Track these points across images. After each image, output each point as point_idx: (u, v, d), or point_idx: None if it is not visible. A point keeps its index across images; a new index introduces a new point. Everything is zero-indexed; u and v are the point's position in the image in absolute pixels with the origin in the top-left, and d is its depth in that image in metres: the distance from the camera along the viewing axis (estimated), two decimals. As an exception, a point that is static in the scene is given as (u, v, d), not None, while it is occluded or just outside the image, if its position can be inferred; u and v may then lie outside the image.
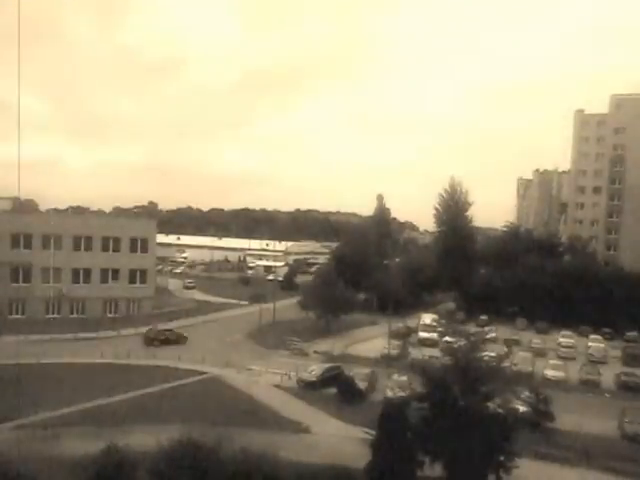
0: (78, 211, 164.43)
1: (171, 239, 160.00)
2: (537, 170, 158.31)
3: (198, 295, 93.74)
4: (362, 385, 43.11)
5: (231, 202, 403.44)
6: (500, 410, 27.36)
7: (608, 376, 51.69)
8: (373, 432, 27.48)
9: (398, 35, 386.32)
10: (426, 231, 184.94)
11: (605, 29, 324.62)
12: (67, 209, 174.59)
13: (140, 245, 74.70)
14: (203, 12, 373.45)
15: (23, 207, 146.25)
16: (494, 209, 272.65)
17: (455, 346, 30.21)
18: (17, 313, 67.00)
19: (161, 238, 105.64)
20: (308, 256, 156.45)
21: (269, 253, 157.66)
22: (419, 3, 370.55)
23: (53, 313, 68.16)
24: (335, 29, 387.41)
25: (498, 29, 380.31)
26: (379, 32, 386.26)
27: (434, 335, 63.12)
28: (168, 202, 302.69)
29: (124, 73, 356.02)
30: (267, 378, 47.06)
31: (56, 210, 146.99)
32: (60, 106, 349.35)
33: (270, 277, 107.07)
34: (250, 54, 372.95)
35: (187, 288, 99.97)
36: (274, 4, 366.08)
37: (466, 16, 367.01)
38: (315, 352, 57.67)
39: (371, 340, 63.96)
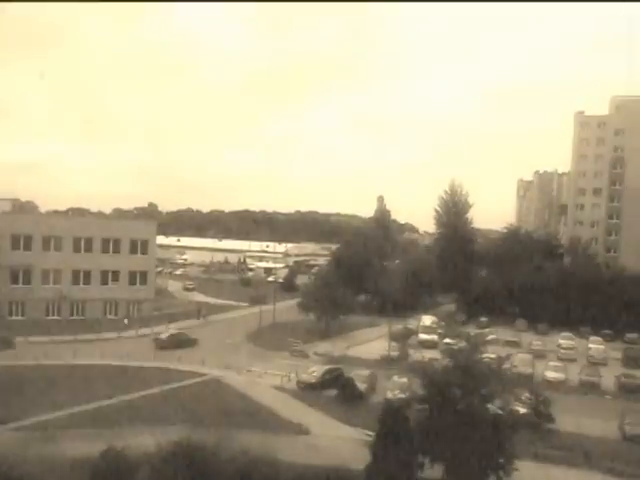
0: (78, 212, 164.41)
1: (171, 241, 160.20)
2: (537, 172, 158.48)
3: (198, 297, 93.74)
4: (362, 387, 43.07)
5: (231, 204, 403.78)
6: (500, 412, 27.31)
7: (608, 378, 51.60)
8: (373, 434, 27.46)
9: (399, 37, 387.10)
10: (426, 232, 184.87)
11: (605, 30, 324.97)
12: (67, 210, 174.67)
13: (140, 247, 74.76)
14: (208, 14, 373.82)
15: (23, 208, 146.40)
16: (494, 211, 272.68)
17: (455, 348, 30.21)
18: (17, 314, 67.02)
19: (161, 240, 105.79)
20: (308, 258, 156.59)
21: (269, 255, 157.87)
22: (421, 6, 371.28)
23: (53, 315, 68.14)
24: (337, 31, 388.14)
25: (499, 31, 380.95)
26: (380, 34, 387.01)
27: (434, 337, 63.11)
28: (168, 204, 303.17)
29: (126, 74, 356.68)
30: (267, 380, 47.03)
31: (56, 211, 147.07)
32: (61, 106, 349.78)
33: (270, 279, 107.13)
34: (252, 56, 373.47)
35: (187, 290, 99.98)
36: (279, 6, 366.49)
37: (467, 18, 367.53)
38: (315, 354, 57.63)
39: (371, 342, 63.95)
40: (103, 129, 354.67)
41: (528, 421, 35.47)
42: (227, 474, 24.39)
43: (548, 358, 59.05)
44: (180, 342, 57.87)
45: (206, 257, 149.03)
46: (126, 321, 66.17)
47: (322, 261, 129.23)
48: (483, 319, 75.14)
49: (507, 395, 27.94)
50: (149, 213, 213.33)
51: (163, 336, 58.63)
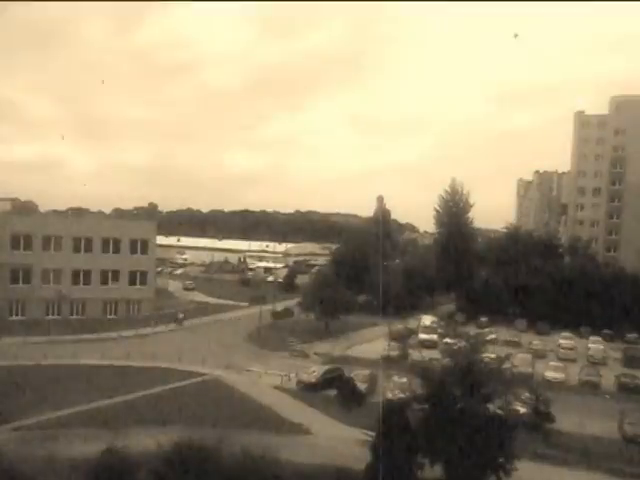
0: (78, 212, 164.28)
1: (171, 240, 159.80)
2: (537, 171, 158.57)
3: (198, 296, 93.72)
4: (362, 387, 43.04)
5: (231, 203, 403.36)
6: (500, 412, 27.33)
7: (608, 378, 51.66)
8: (373, 434, 27.46)
9: (400, 37, 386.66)
10: (426, 232, 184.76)
11: (606, 30, 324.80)
12: (67, 210, 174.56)
13: (140, 246, 74.70)
14: (208, 14, 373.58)
15: (23, 208, 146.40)
16: (494, 210, 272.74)
17: (455, 348, 30.16)
18: (17, 314, 66.97)
19: (161, 239, 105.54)
20: (308, 257, 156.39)
21: (269, 254, 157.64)
22: (422, 6, 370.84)
23: (53, 314, 68.02)
24: (337, 31, 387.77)
25: (500, 31, 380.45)
26: (380, 35, 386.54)
27: (434, 337, 62.87)
28: (168, 203, 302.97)
29: (127, 75, 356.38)
30: (267, 379, 47.05)
31: (56, 211, 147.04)
32: (62, 107, 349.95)
33: (270, 278, 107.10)
34: (252, 56, 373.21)
35: (187, 289, 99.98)
36: (280, 6, 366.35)
37: (468, 19, 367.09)
38: (315, 353, 57.64)
39: (371, 342, 63.91)
40: (103, 129, 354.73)
41: (528, 421, 35.47)
42: (227, 474, 24.39)
43: (548, 358, 59.13)
44: (288, 313, 76.31)
45: (206, 257, 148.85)
46: (181, 315, 71.26)
47: (322, 261, 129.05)
48: (483, 319, 75.12)
49: (507, 395, 27.94)
50: (149, 213, 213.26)
51: (278, 308, 76.06)
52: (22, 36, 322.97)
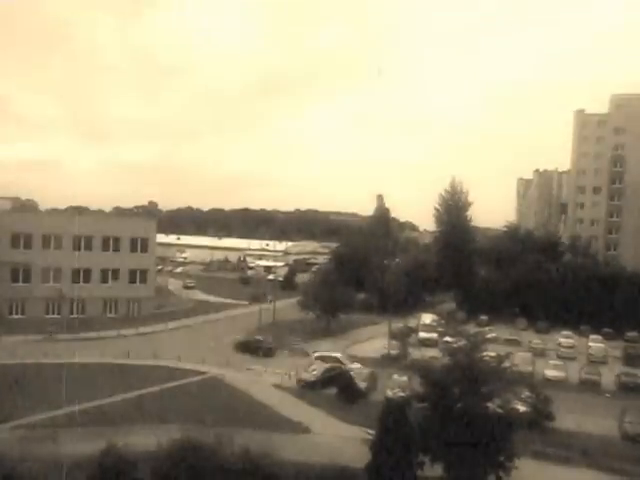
0: (78, 211, 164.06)
1: (171, 239, 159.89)
2: (537, 170, 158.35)
3: (198, 295, 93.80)
4: (362, 385, 43.09)
5: (231, 202, 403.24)
6: (500, 410, 27.34)
7: (608, 376, 51.67)
8: (373, 432, 27.47)
9: (400, 36, 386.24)
10: (426, 231, 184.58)
11: (605, 30, 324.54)
12: (67, 209, 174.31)
13: (140, 245, 74.69)
14: (209, 13, 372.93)
15: (23, 207, 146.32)
16: (494, 209, 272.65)
17: (455, 346, 30.19)
18: (17, 313, 66.92)
19: (161, 238, 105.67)
20: (308, 256, 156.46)
21: (269, 253, 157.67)
22: (422, 6, 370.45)
23: (53, 313, 67.95)
24: (338, 31, 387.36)
25: (499, 31, 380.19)
26: (380, 34, 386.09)
27: (434, 335, 62.98)
28: (168, 202, 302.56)
29: (127, 74, 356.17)
30: (267, 378, 47.06)
31: (56, 210, 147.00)
32: (62, 106, 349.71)
33: (270, 277, 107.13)
34: (252, 56, 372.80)
35: (187, 288, 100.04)
36: (281, 5, 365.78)
37: (468, 18, 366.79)
38: (315, 352, 57.53)
39: (371, 340, 63.97)
40: (104, 127, 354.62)
41: (528, 419, 35.54)
42: (227, 472, 24.40)
43: (548, 356, 59.15)
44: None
45: (206, 255, 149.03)
46: (270, 297, 76.92)
47: (322, 259, 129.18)
48: (483, 317, 75.10)
49: (507, 393, 27.96)
50: (149, 211, 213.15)
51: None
52: (21, 35, 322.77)
